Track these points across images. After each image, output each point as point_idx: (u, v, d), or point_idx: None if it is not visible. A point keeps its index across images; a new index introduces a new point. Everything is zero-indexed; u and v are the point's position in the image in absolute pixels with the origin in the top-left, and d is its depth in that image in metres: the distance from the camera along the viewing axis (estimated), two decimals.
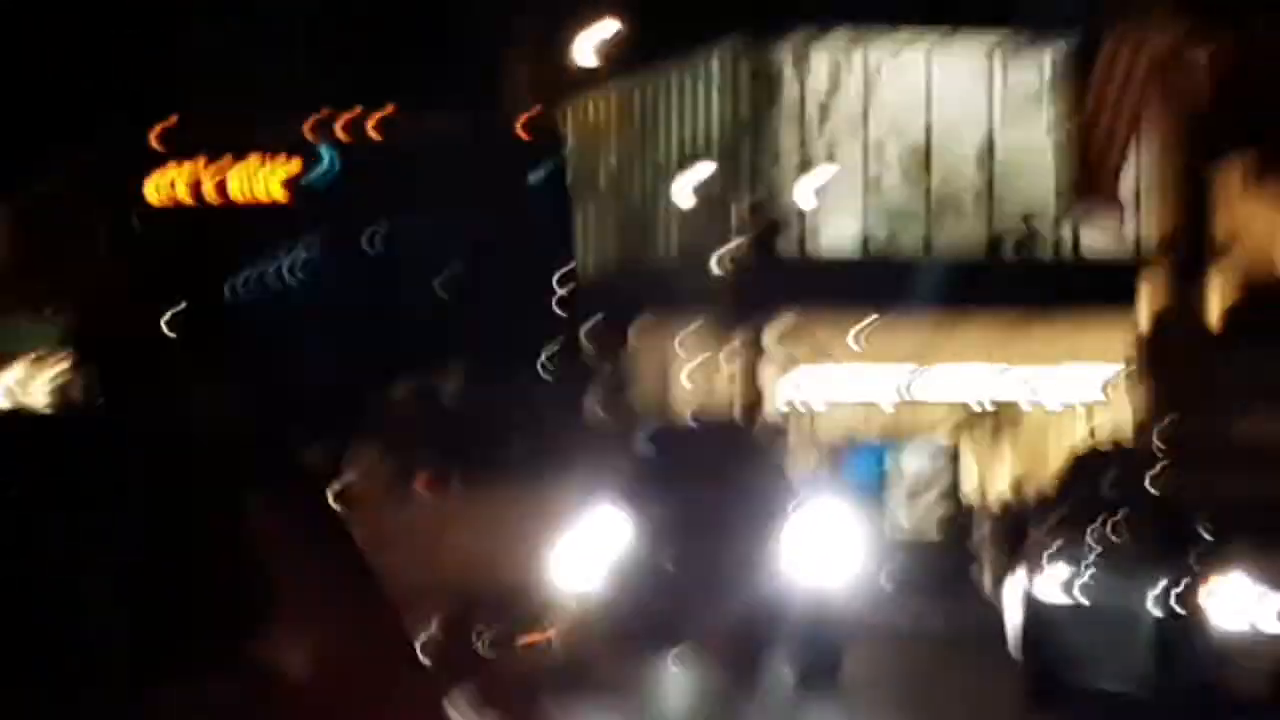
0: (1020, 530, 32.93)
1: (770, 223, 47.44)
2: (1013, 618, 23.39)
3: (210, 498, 6.08)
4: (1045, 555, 22.87)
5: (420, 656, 6.20)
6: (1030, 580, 22.94)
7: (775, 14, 48.74)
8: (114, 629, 5.32)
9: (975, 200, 46.65)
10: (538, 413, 16.82)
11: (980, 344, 43.59)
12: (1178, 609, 18.87)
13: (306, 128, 18.52)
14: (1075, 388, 46.60)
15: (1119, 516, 21.05)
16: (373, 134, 18.31)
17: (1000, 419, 47.35)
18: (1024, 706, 21.79)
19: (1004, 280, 43.80)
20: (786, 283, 45.92)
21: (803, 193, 46.71)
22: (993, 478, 45.90)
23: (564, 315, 17.10)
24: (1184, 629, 18.78)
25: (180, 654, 5.52)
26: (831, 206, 46.93)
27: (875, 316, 44.99)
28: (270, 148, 18.11)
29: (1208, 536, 20.43)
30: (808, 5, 48.92)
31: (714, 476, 24.69)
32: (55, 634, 5.30)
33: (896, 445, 44.77)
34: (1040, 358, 45.78)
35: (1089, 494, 23.23)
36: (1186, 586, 18.65)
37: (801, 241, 48.73)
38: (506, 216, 17.58)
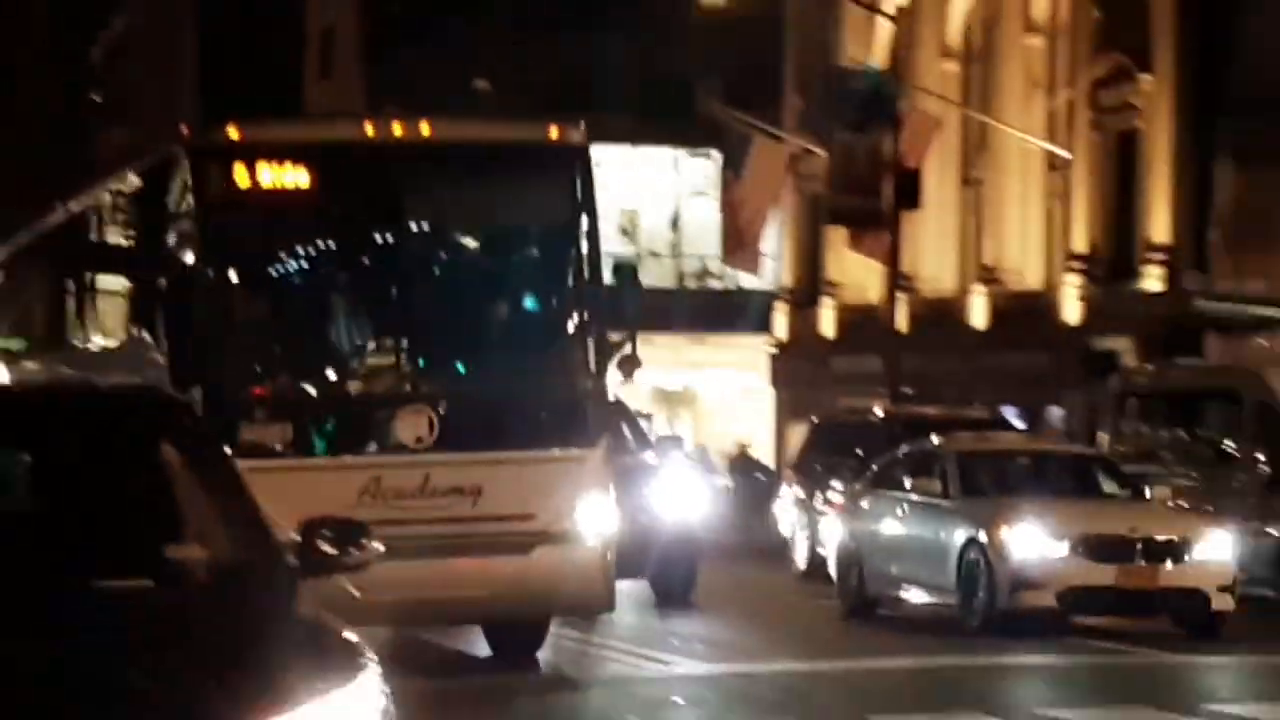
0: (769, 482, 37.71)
1: None
2: (830, 548, 24.55)
3: (137, 452, 7.85)
4: (860, 500, 24.20)
5: (286, 558, 7.29)
6: (848, 517, 24.19)
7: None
8: (69, 538, 7.03)
9: (668, 252, 58.51)
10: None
11: (672, 347, 51.14)
12: (982, 542, 20.03)
13: (367, 126, 17.63)
14: (736, 378, 58.55)
15: (929, 471, 22.66)
16: (425, 131, 16.97)
17: (683, 398, 59.34)
18: (844, 617, 22.93)
19: (686, 307, 54.30)
20: None
21: None
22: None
23: (591, 317, 16.18)
24: (986, 558, 19.86)
25: (114, 556, 6.93)
26: None
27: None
28: (335, 146, 17.03)
29: (1002, 488, 22.32)
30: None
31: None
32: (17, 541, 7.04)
33: None
34: (709, 358, 57.64)
35: (892, 456, 24.87)
36: (990, 526, 19.97)
37: None
38: (546, 221, 16.67)
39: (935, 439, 25.15)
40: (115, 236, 20.56)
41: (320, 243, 16.54)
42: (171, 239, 15.95)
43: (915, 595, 21.69)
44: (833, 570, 23.57)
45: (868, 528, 22.86)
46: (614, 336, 16.30)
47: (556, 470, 15.32)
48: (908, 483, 22.80)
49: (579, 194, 15.92)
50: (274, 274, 16.17)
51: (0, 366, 28.95)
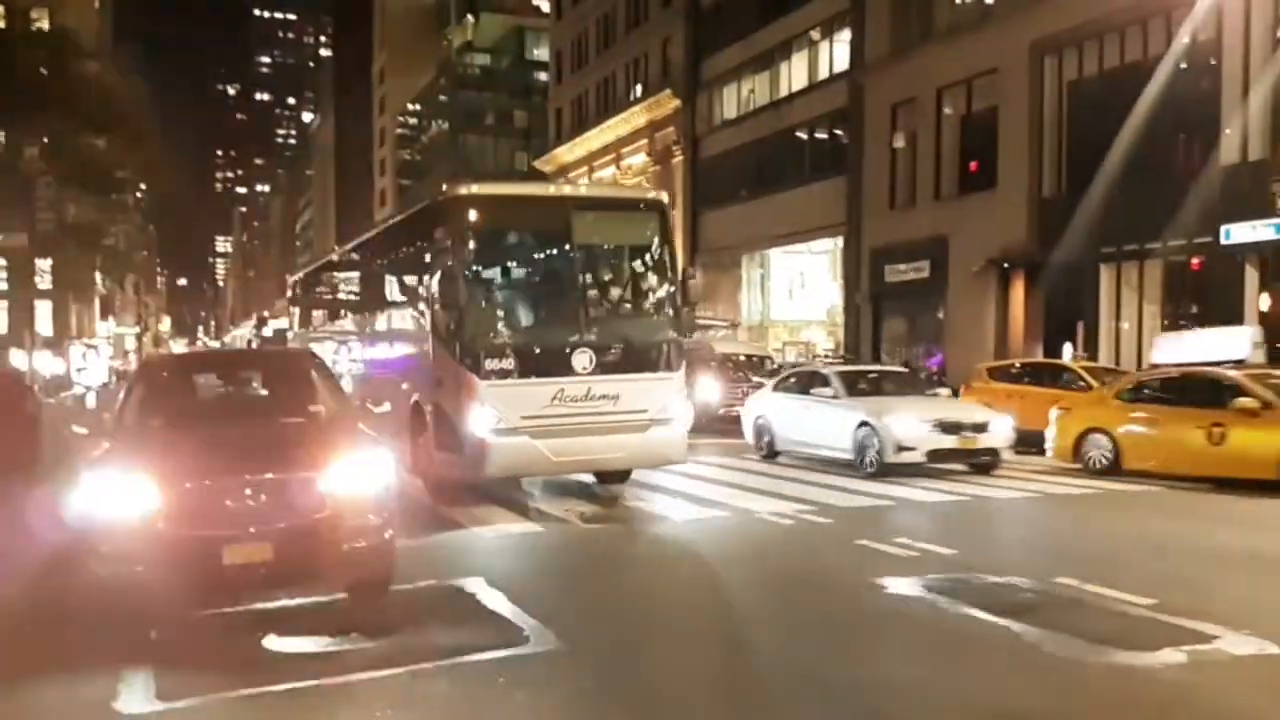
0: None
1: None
2: (748, 424, 19.70)
3: (298, 372, 9.30)
4: (763, 398, 19.67)
5: (354, 408, 9.27)
6: (759, 407, 19.40)
7: None
8: None
9: None
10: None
11: None
12: (871, 423, 16.12)
13: (550, 186, 15.77)
14: None
15: (820, 382, 18.30)
16: (584, 190, 16.19)
17: None
18: (761, 459, 18.35)
19: None
20: None
21: None
22: None
23: (675, 317, 13.66)
24: (876, 432, 15.95)
25: (289, 410, 8.54)
26: None
27: None
28: (532, 197, 14.52)
29: (866, 391, 18.10)
30: None
31: None
32: None
33: None
34: None
35: (798, 371, 20.56)
36: (878, 414, 16.16)
37: None
38: (650, 242, 13.65)
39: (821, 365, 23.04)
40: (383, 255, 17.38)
41: (526, 254, 14.07)
42: (434, 255, 13.42)
43: (816, 451, 17.79)
44: (749, 436, 19.90)
45: (775, 413, 18.98)
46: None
47: (658, 385, 13.26)
48: (806, 389, 18.68)
49: (666, 227, 13.84)
50: (500, 272, 13.73)
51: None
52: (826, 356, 36.30)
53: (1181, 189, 24.62)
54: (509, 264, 14.15)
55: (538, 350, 12.94)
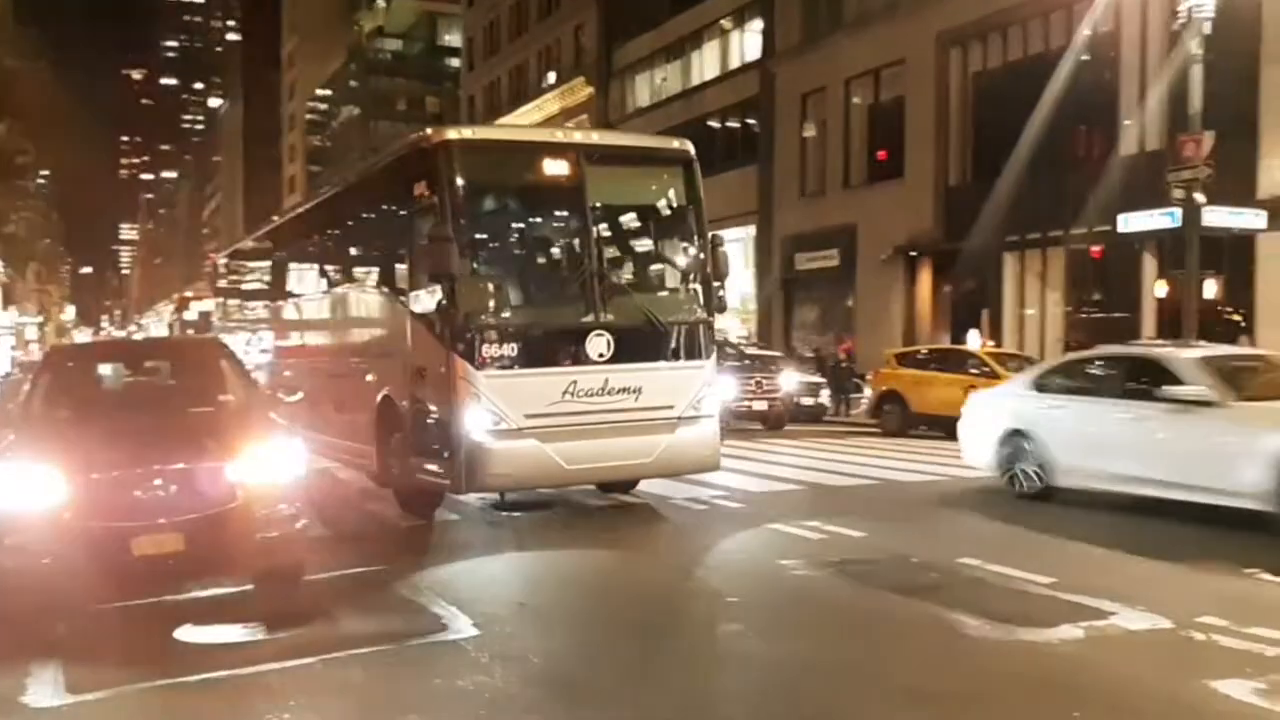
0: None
1: None
2: (987, 444, 12.69)
3: (210, 361, 9.34)
4: (1036, 401, 12.40)
5: (264, 397, 8.91)
6: (1014, 413, 12.47)
7: None
8: None
9: None
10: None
11: None
12: None
13: (557, 133, 13.51)
14: None
15: (1163, 377, 10.83)
16: (596, 138, 12.31)
17: None
18: (1017, 497, 12.01)
19: None
20: None
21: None
22: None
23: (703, 292, 11.48)
24: None
25: (198, 399, 8.49)
26: None
27: None
28: (531, 143, 11.93)
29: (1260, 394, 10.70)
30: None
31: None
32: None
33: None
34: None
35: (1095, 358, 12.79)
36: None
37: None
38: (674, 203, 11.75)
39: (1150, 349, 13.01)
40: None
41: (530, 215, 11.82)
42: (415, 216, 11.14)
43: (1166, 492, 10.58)
44: (986, 461, 12.87)
45: (1051, 425, 12.09)
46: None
47: (686, 376, 11.21)
48: (1129, 388, 11.37)
49: (695, 184, 11.74)
50: (498, 236, 11.52)
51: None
52: (741, 344, 36.88)
53: (1083, 179, 25.23)
54: (509, 227, 11.88)
55: (545, 334, 10.88)
